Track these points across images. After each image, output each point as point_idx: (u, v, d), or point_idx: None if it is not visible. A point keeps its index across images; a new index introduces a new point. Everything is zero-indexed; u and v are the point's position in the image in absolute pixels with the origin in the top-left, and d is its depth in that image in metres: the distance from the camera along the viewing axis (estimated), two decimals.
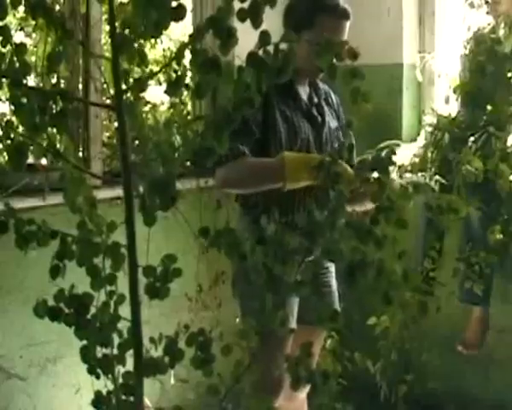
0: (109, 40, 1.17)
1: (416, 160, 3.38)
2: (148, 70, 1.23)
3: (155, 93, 3.81)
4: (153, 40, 3.60)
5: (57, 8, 3.23)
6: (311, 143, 2.54)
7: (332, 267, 2.74)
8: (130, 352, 1.24)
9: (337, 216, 1.23)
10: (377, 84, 3.57)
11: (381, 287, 1.19)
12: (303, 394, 2.80)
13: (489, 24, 3.30)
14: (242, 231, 2.52)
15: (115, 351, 1.26)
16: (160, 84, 3.50)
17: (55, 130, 1.21)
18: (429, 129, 3.35)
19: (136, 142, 1.23)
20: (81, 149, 3.35)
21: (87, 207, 1.23)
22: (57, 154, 1.22)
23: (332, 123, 2.65)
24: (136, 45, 1.16)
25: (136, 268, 1.21)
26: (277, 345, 2.44)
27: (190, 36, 1.17)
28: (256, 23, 1.14)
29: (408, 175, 3.35)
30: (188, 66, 1.18)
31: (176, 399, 3.42)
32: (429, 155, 3.30)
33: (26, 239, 1.22)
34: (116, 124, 1.24)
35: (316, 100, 2.64)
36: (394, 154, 1.33)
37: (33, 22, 3.48)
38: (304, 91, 2.62)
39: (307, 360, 1.24)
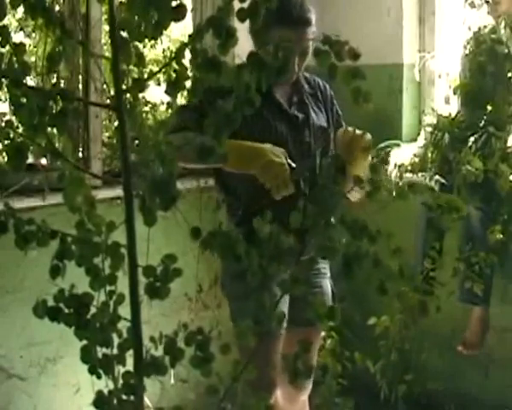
0: (109, 40, 1.17)
1: (416, 160, 3.39)
2: (147, 70, 1.23)
3: (155, 93, 3.81)
4: (153, 40, 3.61)
5: (57, 8, 3.24)
6: (289, 142, 2.51)
7: (325, 269, 2.71)
8: (131, 352, 1.24)
9: (331, 214, 1.22)
10: (377, 84, 3.57)
11: (377, 278, 1.18)
12: (304, 396, 2.79)
13: (485, 26, 3.30)
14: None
15: (115, 351, 1.25)
16: (160, 84, 3.50)
17: (55, 130, 1.21)
18: (429, 129, 3.35)
19: (136, 142, 1.23)
20: (81, 149, 3.36)
21: (86, 206, 1.22)
22: (57, 154, 1.22)
23: (318, 120, 2.60)
24: (135, 46, 1.16)
25: (136, 268, 1.21)
26: (270, 345, 2.43)
27: (190, 36, 1.16)
28: (256, 23, 1.14)
29: (408, 175, 3.35)
30: (188, 66, 1.18)
31: (176, 399, 3.42)
32: (429, 155, 3.31)
33: (26, 239, 1.22)
34: (116, 124, 1.24)
35: (296, 99, 2.57)
36: (388, 155, 1.33)
37: (33, 22, 3.49)
38: (282, 91, 2.54)
39: (305, 356, 1.23)
